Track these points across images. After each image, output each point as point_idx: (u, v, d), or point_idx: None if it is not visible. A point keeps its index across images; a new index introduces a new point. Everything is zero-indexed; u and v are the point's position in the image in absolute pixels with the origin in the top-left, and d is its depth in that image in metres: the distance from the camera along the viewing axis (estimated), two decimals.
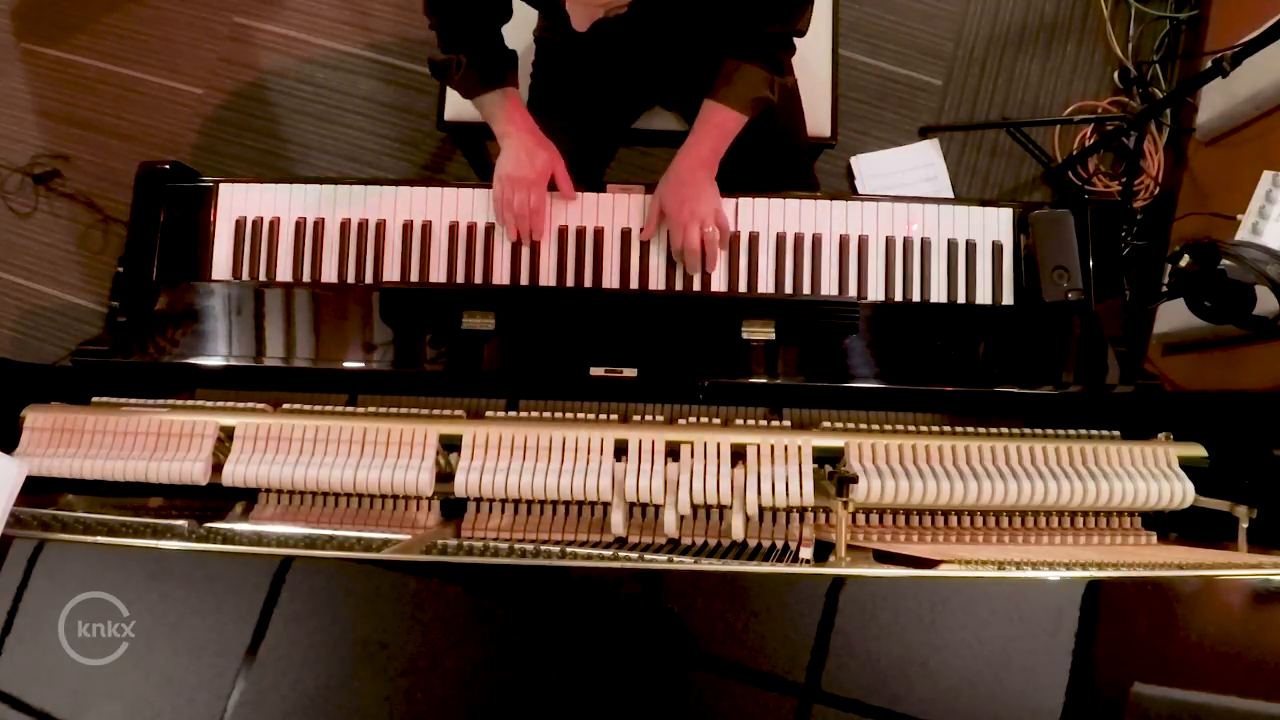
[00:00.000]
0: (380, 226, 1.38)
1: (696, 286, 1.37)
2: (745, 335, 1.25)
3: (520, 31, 1.52)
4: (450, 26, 1.35)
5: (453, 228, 1.38)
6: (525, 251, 1.37)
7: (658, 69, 1.53)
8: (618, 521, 1.06)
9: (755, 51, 1.34)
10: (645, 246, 1.37)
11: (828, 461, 1.11)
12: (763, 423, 1.23)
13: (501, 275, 1.37)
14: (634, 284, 1.37)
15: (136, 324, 1.29)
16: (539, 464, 1.08)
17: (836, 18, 1.77)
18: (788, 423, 1.23)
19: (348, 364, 1.27)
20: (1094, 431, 1.16)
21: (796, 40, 1.36)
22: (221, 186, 1.40)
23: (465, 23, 1.34)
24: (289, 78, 2.43)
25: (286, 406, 1.18)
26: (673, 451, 1.09)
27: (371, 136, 2.39)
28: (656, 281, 1.37)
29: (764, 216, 1.38)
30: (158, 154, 2.34)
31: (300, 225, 1.38)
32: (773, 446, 1.08)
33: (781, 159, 1.57)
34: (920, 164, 2.31)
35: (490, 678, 0.82)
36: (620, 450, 1.09)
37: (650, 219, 1.36)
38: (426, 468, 1.08)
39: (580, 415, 1.17)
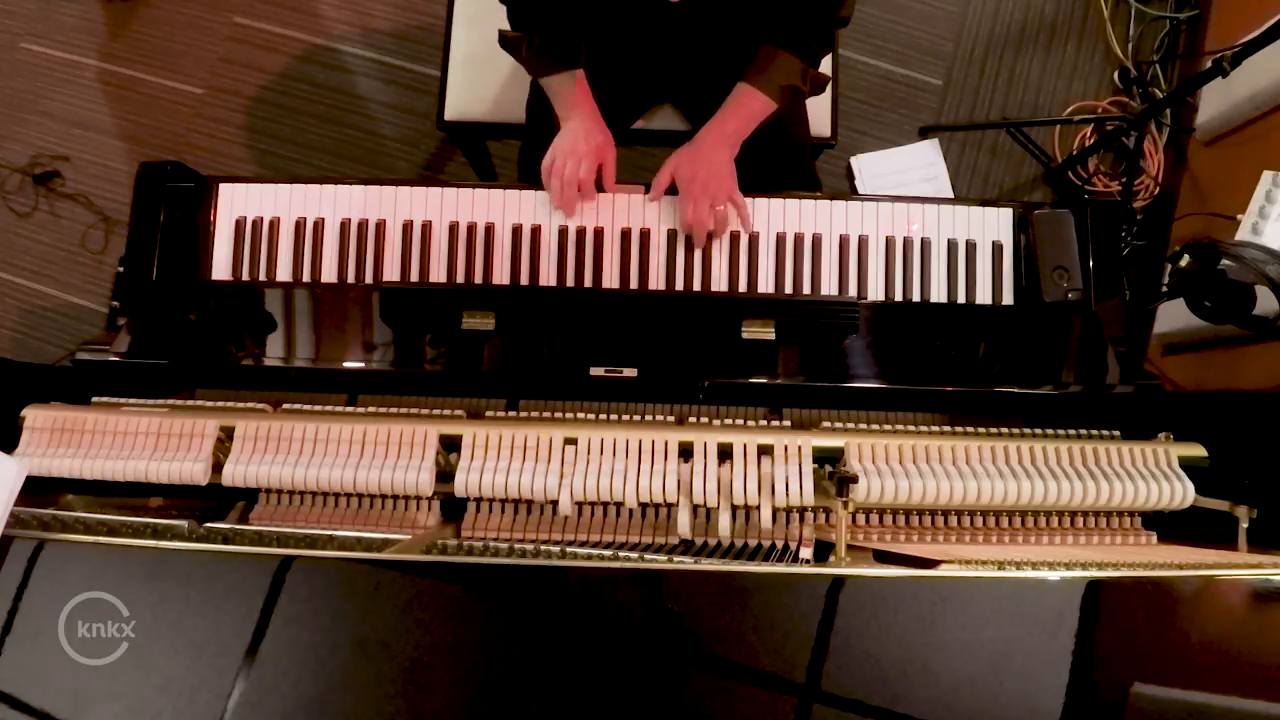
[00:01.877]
0: (380, 226, 1.38)
1: (697, 286, 1.37)
2: (745, 335, 1.25)
3: None
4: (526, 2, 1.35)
5: (453, 228, 1.38)
6: (525, 251, 1.37)
7: (674, 63, 1.52)
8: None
9: (794, 41, 1.36)
10: (645, 247, 1.37)
11: (828, 461, 1.11)
12: (763, 423, 1.23)
13: (501, 275, 1.37)
14: (634, 284, 1.37)
15: (136, 324, 1.29)
16: (539, 464, 1.08)
17: None
18: (788, 423, 1.23)
19: (348, 364, 1.27)
20: (1094, 431, 1.16)
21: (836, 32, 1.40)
22: (221, 186, 1.39)
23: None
24: (289, 78, 2.44)
25: (286, 406, 1.18)
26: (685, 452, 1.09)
27: (371, 136, 2.39)
28: (656, 281, 1.37)
29: (764, 216, 1.38)
30: (158, 154, 2.35)
31: (300, 225, 1.38)
32: (773, 446, 1.08)
33: (787, 157, 1.57)
34: (920, 164, 2.31)
35: (490, 678, 0.82)
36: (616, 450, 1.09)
37: (658, 183, 1.36)
38: (426, 468, 1.08)
39: (580, 415, 1.17)
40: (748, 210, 1.36)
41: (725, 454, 1.09)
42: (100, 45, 2.48)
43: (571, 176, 1.34)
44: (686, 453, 1.09)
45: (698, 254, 1.37)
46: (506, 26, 1.43)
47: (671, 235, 1.37)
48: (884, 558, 1.00)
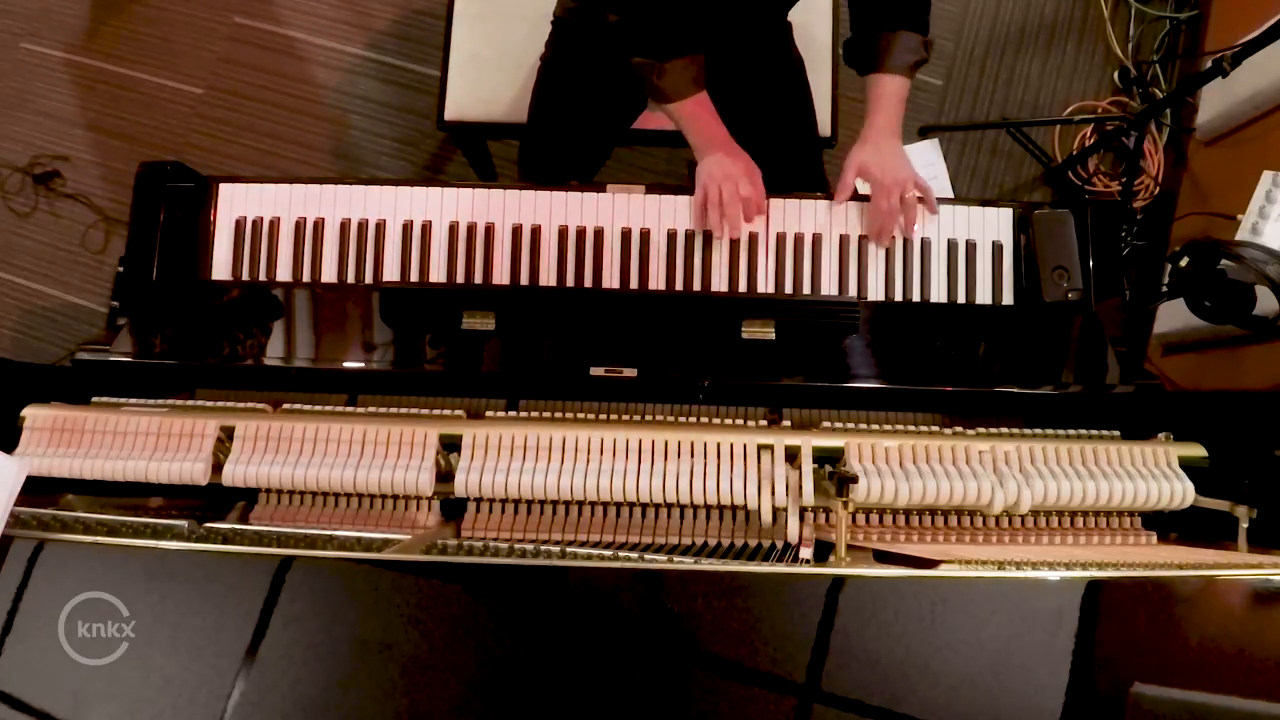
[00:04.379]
0: (380, 226, 1.38)
1: (697, 286, 1.37)
2: (745, 335, 1.25)
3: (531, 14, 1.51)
4: (648, 20, 1.33)
5: (453, 228, 1.38)
6: (525, 251, 1.37)
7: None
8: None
9: (901, 18, 1.37)
10: (645, 247, 1.37)
11: (828, 461, 1.11)
12: (763, 423, 1.23)
13: (501, 275, 1.37)
14: (634, 284, 1.37)
15: (136, 324, 1.29)
16: (539, 464, 1.08)
17: (837, 18, 1.77)
18: (788, 423, 1.23)
19: (348, 364, 1.27)
20: (1094, 431, 1.16)
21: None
22: (221, 186, 1.40)
23: (668, 15, 1.33)
24: (289, 78, 2.43)
25: (286, 406, 1.18)
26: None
27: (371, 136, 2.39)
28: (656, 281, 1.37)
29: (764, 216, 1.38)
30: (158, 154, 2.34)
31: (300, 225, 1.38)
32: (773, 446, 1.08)
33: (798, 155, 1.57)
34: (920, 164, 2.29)
35: (490, 678, 0.82)
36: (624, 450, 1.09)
37: (845, 185, 1.36)
38: (426, 468, 1.08)
39: (580, 415, 1.17)
40: (931, 193, 1.36)
41: (725, 454, 1.09)
42: (100, 45, 2.48)
43: (733, 196, 1.32)
44: (689, 453, 1.09)
45: (698, 254, 1.37)
46: (506, 28, 1.42)
47: (671, 235, 1.37)
48: (884, 558, 1.00)
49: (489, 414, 1.17)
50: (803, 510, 1.11)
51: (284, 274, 1.37)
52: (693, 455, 1.08)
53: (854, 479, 1.02)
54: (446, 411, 1.18)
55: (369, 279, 1.37)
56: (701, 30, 1.37)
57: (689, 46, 1.35)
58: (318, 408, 1.19)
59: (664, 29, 1.34)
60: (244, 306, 1.30)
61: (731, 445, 1.08)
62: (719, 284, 1.37)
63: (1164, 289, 1.40)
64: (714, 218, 1.33)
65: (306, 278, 1.37)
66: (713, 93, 1.41)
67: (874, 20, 1.38)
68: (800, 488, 1.05)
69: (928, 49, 1.40)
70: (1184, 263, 1.28)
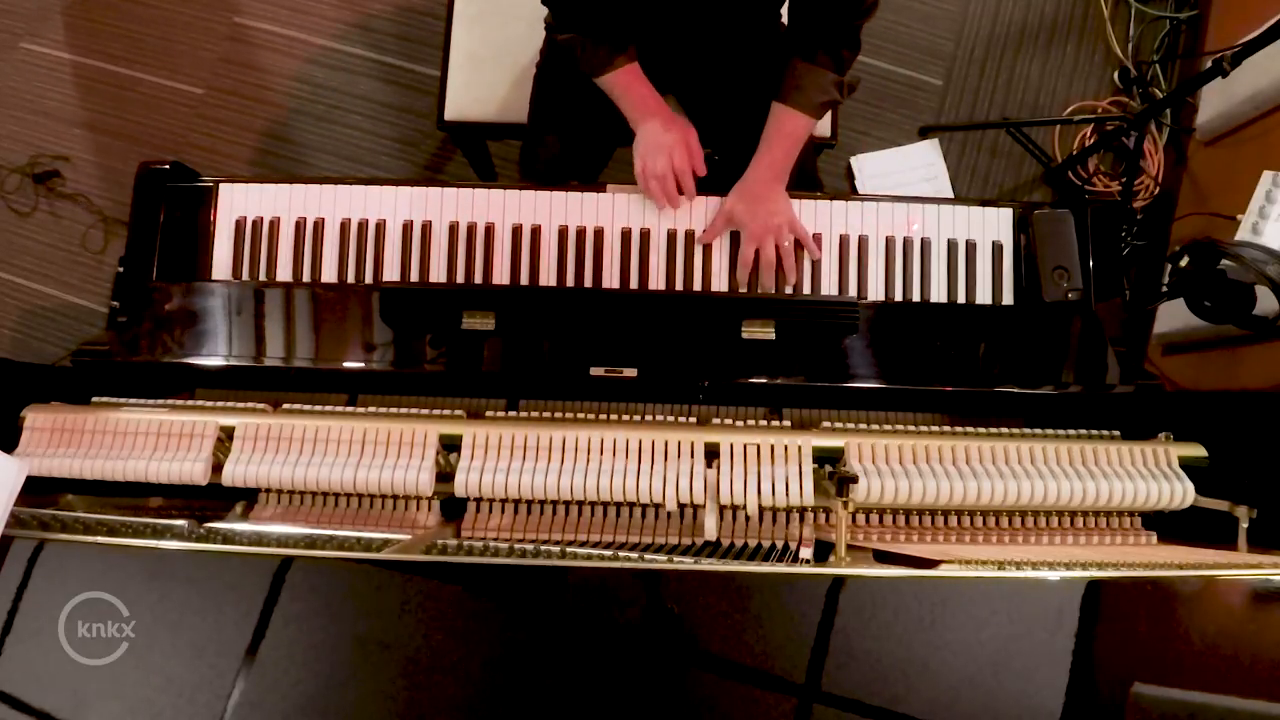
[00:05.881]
0: (380, 226, 1.38)
1: (697, 286, 1.37)
2: (745, 335, 1.25)
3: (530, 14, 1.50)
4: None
5: (453, 228, 1.38)
6: (525, 251, 1.37)
7: (679, 54, 1.52)
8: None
9: (822, 49, 1.32)
10: (645, 247, 1.37)
11: (828, 461, 1.11)
12: (762, 423, 1.23)
13: (501, 275, 1.37)
14: (634, 284, 1.37)
15: (136, 324, 1.29)
16: (539, 464, 1.08)
17: None
18: (788, 423, 1.23)
19: (348, 364, 1.27)
20: (1094, 431, 1.16)
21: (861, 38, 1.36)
22: (221, 186, 1.40)
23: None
24: (289, 78, 2.43)
25: (286, 406, 1.18)
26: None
27: (371, 136, 2.39)
28: (656, 281, 1.37)
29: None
30: (158, 154, 2.33)
31: (300, 225, 1.38)
32: (773, 446, 1.08)
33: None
34: (920, 164, 2.31)
35: (490, 678, 0.82)
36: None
37: (715, 225, 1.35)
38: (426, 468, 1.08)
39: (580, 415, 1.17)
40: (809, 238, 1.35)
41: (724, 454, 1.09)
42: (100, 45, 2.48)
43: (666, 169, 1.32)
44: (690, 454, 1.09)
45: (698, 254, 1.37)
46: (506, 28, 1.42)
47: (671, 235, 1.37)
48: (884, 558, 1.00)
49: (489, 414, 1.17)
50: (803, 510, 1.11)
51: (284, 274, 1.37)
52: (691, 455, 1.08)
53: (854, 479, 1.02)
54: (446, 411, 1.18)
55: (369, 279, 1.37)
56: (633, 13, 1.35)
57: (619, 26, 1.34)
58: (318, 408, 1.19)
59: (592, 8, 1.33)
60: (244, 306, 1.30)
61: (731, 445, 1.08)
62: (719, 284, 1.37)
63: (1164, 289, 1.40)
64: (652, 189, 1.34)
65: (307, 278, 1.37)
66: (706, 91, 1.41)
67: (793, 45, 1.34)
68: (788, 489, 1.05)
69: (843, 90, 1.35)
70: (1184, 263, 1.28)
